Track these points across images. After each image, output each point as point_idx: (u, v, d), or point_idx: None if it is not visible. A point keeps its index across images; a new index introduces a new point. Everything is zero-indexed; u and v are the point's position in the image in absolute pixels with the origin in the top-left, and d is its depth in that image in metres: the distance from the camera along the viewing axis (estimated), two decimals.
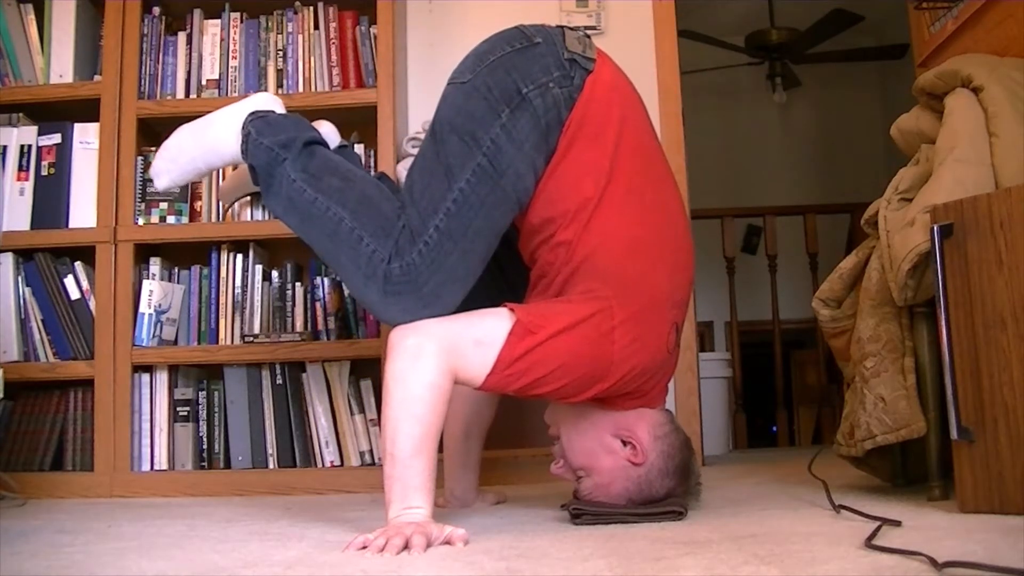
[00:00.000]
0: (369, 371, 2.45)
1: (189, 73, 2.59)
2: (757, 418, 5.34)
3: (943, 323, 1.44)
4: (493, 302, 1.47)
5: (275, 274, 2.52)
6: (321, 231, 1.52)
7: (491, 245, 1.51)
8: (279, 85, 2.58)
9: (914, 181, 1.71)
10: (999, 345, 1.36)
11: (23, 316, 2.46)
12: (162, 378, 2.45)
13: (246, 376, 2.46)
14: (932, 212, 1.48)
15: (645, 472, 1.51)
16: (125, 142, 2.50)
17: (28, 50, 2.58)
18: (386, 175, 1.91)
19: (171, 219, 2.52)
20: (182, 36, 2.61)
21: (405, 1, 2.83)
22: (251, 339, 2.42)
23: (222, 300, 2.49)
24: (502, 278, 1.68)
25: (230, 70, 2.59)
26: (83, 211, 2.50)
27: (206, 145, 1.69)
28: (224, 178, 2.51)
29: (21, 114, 2.58)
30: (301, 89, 2.56)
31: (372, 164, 2.51)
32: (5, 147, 2.53)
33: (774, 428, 4.76)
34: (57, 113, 2.56)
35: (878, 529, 1.22)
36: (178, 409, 2.44)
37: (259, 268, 2.51)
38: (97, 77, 2.57)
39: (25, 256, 2.48)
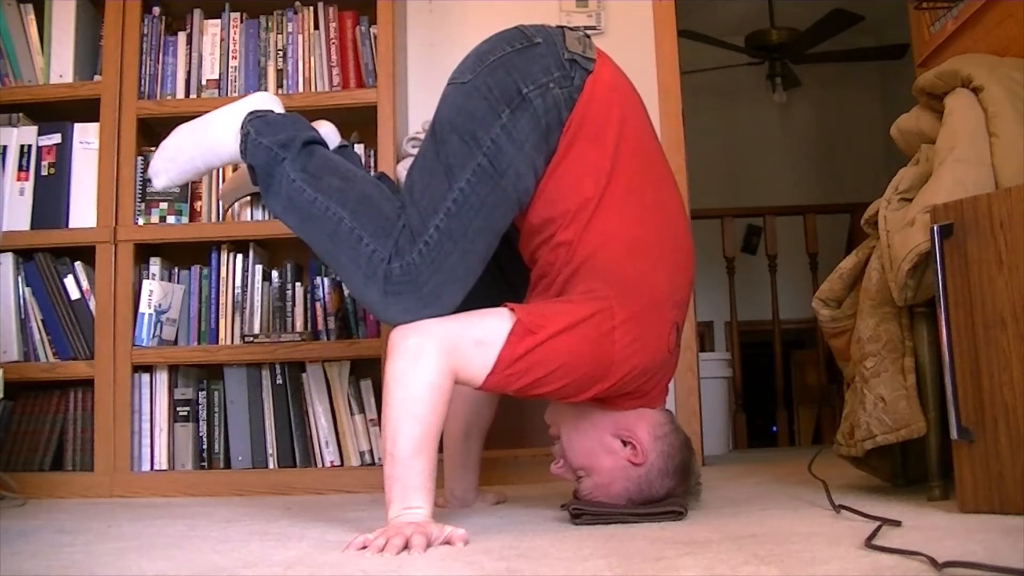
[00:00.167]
0: (369, 371, 2.45)
1: (189, 73, 2.59)
2: (757, 418, 5.34)
3: (943, 323, 1.44)
4: (493, 302, 1.47)
5: (275, 274, 2.52)
6: (321, 231, 1.52)
7: (491, 245, 1.50)
8: (279, 85, 2.58)
9: (914, 181, 1.71)
10: (999, 345, 1.36)
11: (23, 316, 2.46)
12: (162, 378, 2.45)
13: (246, 376, 2.46)
14: (932, 212, 1.48)
15: (645, 472, 1.51)
16: (125, 142, 2.50)
17: (28, 50, 2.58)
18: (386, 175, 1.91)
19: (171, 219, 2.52)
20: (182, 36, 2.61)
21: (405, 1, 2.83)
22: (251, 339, 2.42)
23: (222, 300, 2.49)
24: (502, 278, 1.68)
25: (230, 70, 2.59)
26: (83, 211, 2.50)
27: (205, 144, 1.69)
28: (224, 178, 2.52)
29: (21, 114, 2.58)
30: (301, 89, 2.56)
31: (372, 164, 2.51)
32: (5, 147, 2.53)
33: (774, 428, 4.76)
34: (57, 113, 2.56)
35: (878, 529, 1.22)
36: (178, 409, 2.44)
37: (259, 268, 2.51)
38: (97, 77, 2.57)
39: (25, 256, 2.48)
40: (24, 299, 2.46)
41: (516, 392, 1.45)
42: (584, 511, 1.51)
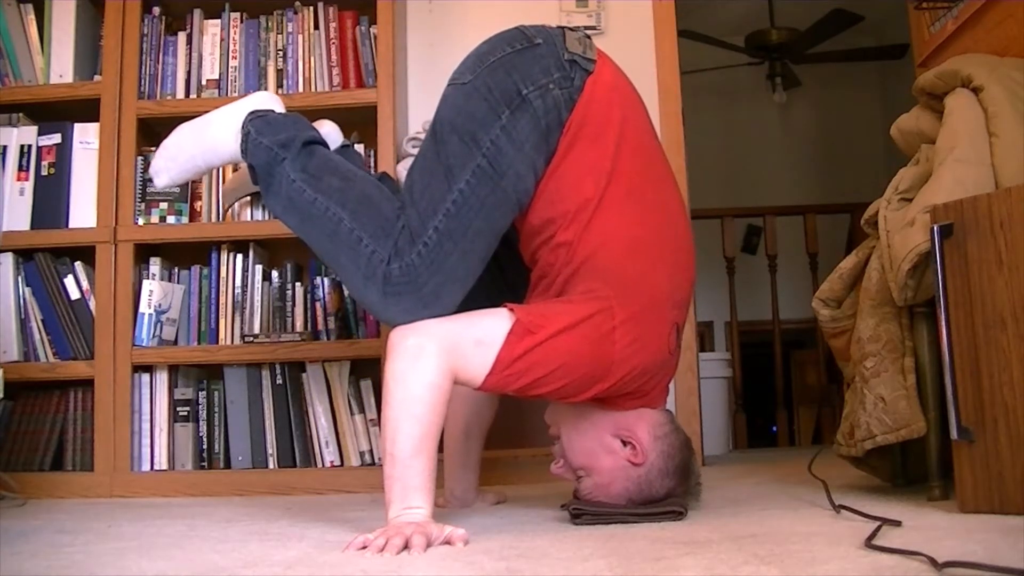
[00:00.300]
0: (369, 371, 2.45)
1: (189, 73, 2.59)
2: (757, 418, 5.34)
3: (943, 323, 1.44)
4: (493, 302, 1.47)
5: (275, 274, 2.52)
6: (321, 231, 1.52)
7: (491, 246, 1.50)
8: (279, 85, 2.58)
9: (914, 181, 1.71)
10: (999, 345, 1.36)
11: (23, 316, 2.46)
12: (162, 378, 2.45)
13: (246, 376, 2.46)
14: (932, 212, 1.48)
15: (645, 472, 1.51)
16: (125, 142, 2.50)
17: (28, 50, 2.58)
18: (388, 175, 1.91)
19: (171, 219, 2.52)
20: (182, 36, 2.61)
21: (405, 1, 2.83)
22: (251, 339, 2.42)
23: (222, 300, 2.49)
24: (502, 278, 1.68)
25: (230, 70, 2.59)
26: (83, 211, 2.50)
27: (205, 144, 1.69)
28: (224, 178, 2.52)
29: (21, 114, 2.58)
30: (301, 89, 2.56)
31: (372, 164, 2.51)
32: (5, 147, 2.53)
33: (774, 428, 4.76)
34: (57, 113, 2.56)
35: (878, 529, 1.22)
36: (178, 409, 2.44)
37: (259, 268, 2.51)
38: (97, 77, 2.57)
39: (25, 256, 2.48)
40: (24, 299, 2.46)
41: (516, 392, 1.45)
42: (584, 511, 1.51)
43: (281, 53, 2.59)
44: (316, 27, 2.60)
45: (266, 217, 2.51)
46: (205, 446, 2.44)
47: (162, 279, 2.48)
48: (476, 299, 1.50)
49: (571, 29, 1.55)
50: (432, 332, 1.41)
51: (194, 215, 2.55)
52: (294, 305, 2.51)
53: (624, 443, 1.53)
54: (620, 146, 1.49)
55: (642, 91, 1.63)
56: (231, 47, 2.60)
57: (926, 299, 1.61)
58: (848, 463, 1.86)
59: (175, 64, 2.60)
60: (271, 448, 2.42)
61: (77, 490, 2.36)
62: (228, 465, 2.42)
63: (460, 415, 1.86)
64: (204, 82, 2.59)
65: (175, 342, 2.50)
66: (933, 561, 0.97)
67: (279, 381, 2.45)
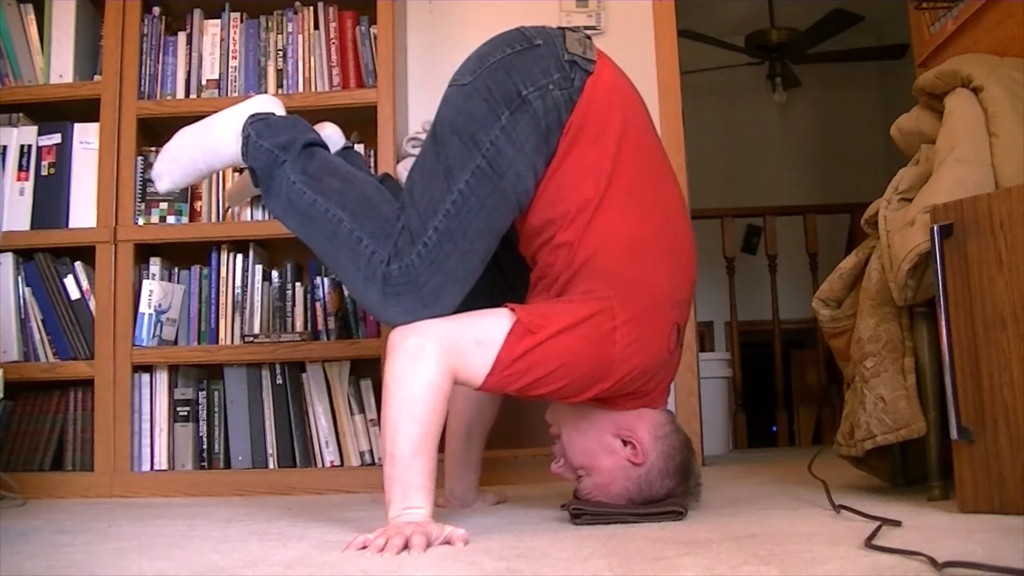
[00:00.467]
0: (369, 371, 2.45)
1: (189, 73, 2.59)
2: (757, 418, 5.34)
3: (943, 323, 1.44)
4: (493, 302, 1.47)
5: (275, 274, 2.52)
6: (320, 232, 1.52)
7: (491, 246, 1.50)
8: (279, 85, 2.58)
9: (914, 181, 1.71)
10: (999, 345, 1.36)
11: (23, 316, 2.46)
12: (162, 378, 2.45)
13: (246, 376, 2.46)
14: (932, 212, 1.48)
15: (645, 472, 1.51)
16: (125, 142, 2.50)
17: (28, 50, 2.58)
18: (389, 176, 1.91)
19: (171, 219, 2.52)
20: (182, 36, 2.61)
21: (405, 1, 2.83)
22: (251, 339, 2.42)
23: (222, 300, 2.49)
24: (502, 278, 1.68)
25: (230, 70, 2.59)
26: (83, 211, 2.50)
27: (207, 146, 1.69)
28: (224, 180, 2.52)
29: (21, 114, 2.58)
30: (301, 89, 2.56)
31: (372, 164, 2.51)
32: (5, 147, 2.53)
33: (774, 428, 4.76)
34: (57, 113, 2.56)
35: (878, 529, 1.22)
36: (178, 409, 2.44)
37: (259, 268, 2.51)
38: (97, 77, 2.57)
39: (25, 256, 2.48)
40: (24, 299, 2.46)
41: (516, 392, 1.45)
42: (584, 511, 1.51)
43: (281, 53, 2.59)
44: (316, 27, 2.60)
45: (266, 217, 2.51)
46: (205, 446, 2.44)
47: (162, 279, 2.49)
48: (477, 299, 1.50)
49: (571, 30, 1.55)
50: (432, 332, 1.41)
51: (194, 215, 2.55)
52: (294, 305, 2.51)
53: (624, 443, 1.53)
54: (620, 146, 1.49)
55: (642, 91, 1.63)
56: (231, 47, 2.60)
57: (926, 299, 1.61)
58: (848, 463, 1.86)
59: (175, 64, 2.60)
60: (271, 448, 2.42)
61: (77, 490, 2.37)
62: (228, 465, 2.42)
63: (462, 415, 1.86)
64: (204, 82, 2.59)
65: (175, 342, 2.50)
66: (933, 561, 0.97)
67: (279, 381, 2.45)
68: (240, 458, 2.42)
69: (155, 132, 2.58)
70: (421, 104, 2.75)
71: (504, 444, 2.27)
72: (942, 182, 1.58)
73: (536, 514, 1.68)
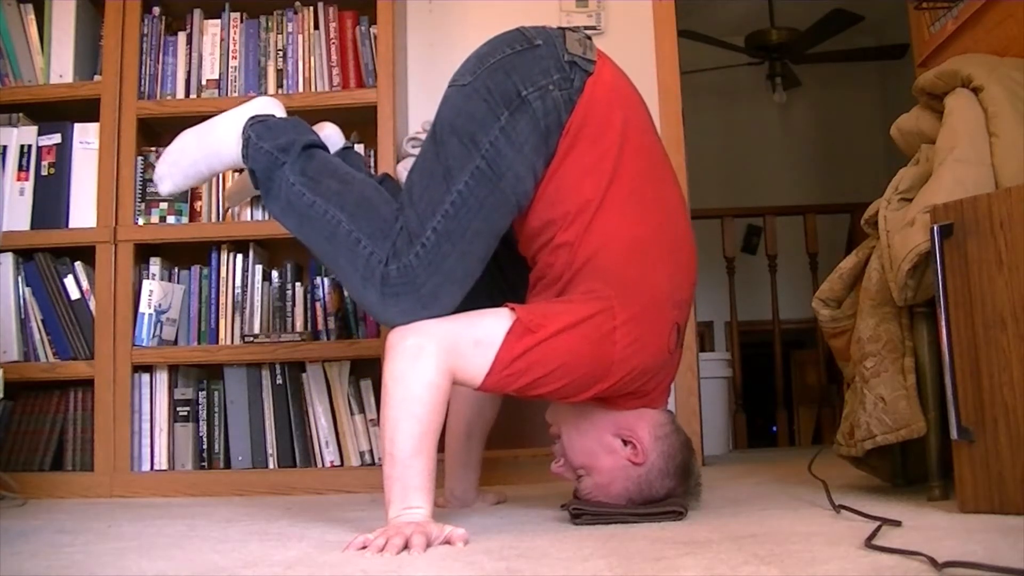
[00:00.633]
0: (369, 371, 2.45)
1: (189, 73, 2.58)
2: (757, 418, 5.34)
3: (943, 323, 1.44)
4: (493, 302, 1.47)
5: (275, 274, 2.52)
6: (319, 233, 1.52)
7: (490, 247, 1.50)
8: (279, 85, 2.58)
9: (914, 181, 1.71)
10: (999, 345, 1.36)
11: (23, 316, 2.46)
12: (162, 378, 2.45)
13: (246, 376, 2.46)
14: (932, 212, 1.48)
15: (645, 472, 1.51)
16: (125, 142, 2.50)
17: (28, 50, 2.58)
18: (389, 176, 1.91)
19: (171, 219, 2.52)
20: (182, 36, 2.61)
21: (405, 1, 2.83)
22: (251, 339, 2.42)
23: (222, 300, 2.49)
24: (502, 278, 1.68)
25: (230, 70, 2.59)
26: (83, 211, 2.50)
27: (208, 148, 1.69)
28: (224, 181, 2.52)
29: (21, 114, 2.58)
30: (301, 89, 2.56)
31: (372, 164, 2.51)
32: (5, 147, 2.53)
33: (774, 428, 4.76)
34: (57, 113, 2.56)
35: (878, 529, 1.22)
36: (178, 409, 2.44)
37: (259, 268, 2.51)
38: (97, 77, 2.57)
39: (25, 256, 2.48)
40: (24, 299, 2.46)
41: (516, 392, 1.45)
42: (584, 511, 1.51)
43: (281, 53, 2.59)
44: (316, 27, 2.60)
45: (266, 217, 2.51)
46: (205, 446, 2.44)
47: (162, 279, 2.49)
48: (477, 299, 1.50)
49: (571, 30, 1.55)
50: (431, 332, 1.41)
51: (194, 215, 2.55)
52: (294, 305, 2.51)
53: (625, 443, 1.53)
54: (621, 147, 1.49)
55: (642, 91, 1.63)
56: (231, 47, 2.60)
57: (926, 299, 1.61)
58: (848, 463, 1.86)
59: (175, 64, 2.60)
60: (271, 448, 2.42)
61: (77, 490, 2.37)
62: (228, 465, 2.42)
63: (462, 415, 1.86)
64: (204, 82, 2.59)
65: (175, 342, 2.50)
66: (933, 561, 0.97)
67: (279, 381, 2.45)
68: (240, 458, 2.42)
69: (155, 132, 2.58)
70: (421, 104, 2.75)
71: (504, 444, 2.27)
72: (942, 182, 1.58)
73: (536, 514, 1.68)
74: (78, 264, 2.49)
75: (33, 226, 2.49)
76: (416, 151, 2.29)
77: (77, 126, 2.54)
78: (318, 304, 2.50)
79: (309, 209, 1.53)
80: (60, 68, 2.56)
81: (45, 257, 2.48)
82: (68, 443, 2.43)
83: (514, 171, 1.46)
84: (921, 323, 1.67)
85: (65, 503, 2.24)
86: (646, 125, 1.59)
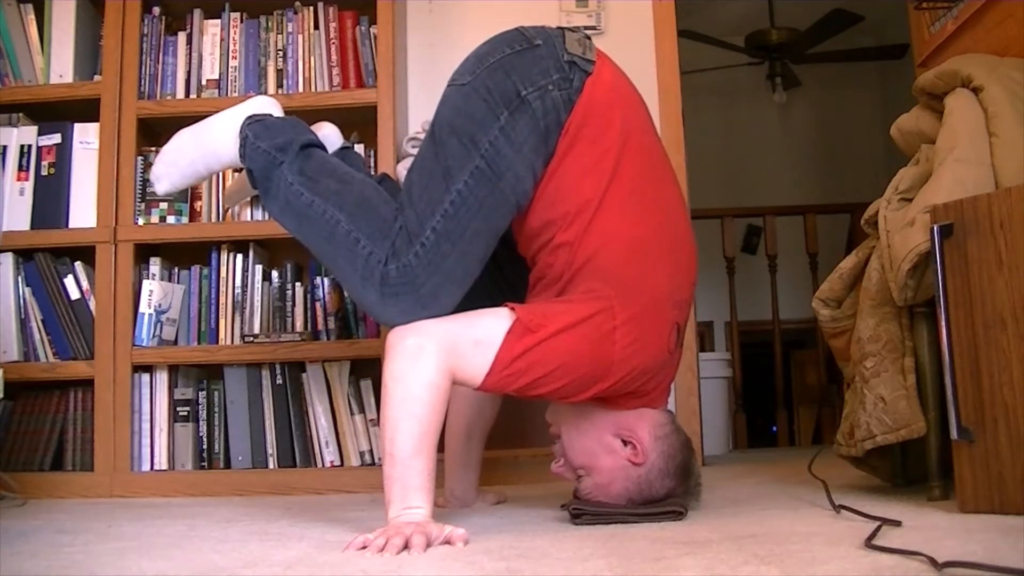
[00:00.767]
0: (369, 371, 2.45)
1: (189, 73, 2.59)
2: (757, 418, 5.34)
3: (943, 323, 1.44)
4: (493, 302, 1.47)
5: (275, 274, 2.52)
6: (318, 233, 1.52)
7: (489, 247, 1.50)
8: (279, 85, 2.58)
9: (914, 181, 1.71)
10: (999, 345, 1.36)
11: (23, 316, 2.46)
12: (162, 378, 2.45)
13: (246, 376, 2.46)
14: (932, 212, 1.48)
15: (645, 472, 1.51)
16: (125, 142, 2.50)
17: (28, 50, 2.58)
18: (388, 176, 1.91)
19: (171, 219, 2.52)
20: (182, 36, 2.61)
21: (405, 1, 2.83)
22: (251, 339, 2.42)
23: (222, 300, 2.49)
24: (502, 278, 1.68)
25: (230, 70, 2.59)
26: (83, 211, 2.50)
27: (205, 148, 1.69)
28: (224, 180, 2.52)
29: (21, 114, 2.58)
30: (301, 89, 2.56)
31: (372, 164, 2.51)
32: (5, 147, 2.53)
33: (774, 428, 4.76)
34: (57, 113, 2.56)
35: (878, 529, 1.22)
36: (178, 409, 2.44)
37: (259, 268, 2.51)
38: (97, 77, 2.57)
39: (25, 256, 2.48)
40: (24, 299, 2.46)
41: (516, 392, 1.45)
42: (584, 511, 1.51)
43: (281, 53, 2.59)
44: (316, 27, 2.60)
45: (266, 217, 2.51)
46: (205, 446, 2.44)
47: (162, 279, 2.49)
48: (477, 299, 1.50)
49: (571, 30, 1.55)
50: (431, 332, 1.41)
51: (194, 215, 2.55)
52: (294, 305, 2.51)
53: (625, 443, 1.53)
54: (621, 147, 1.49)
55: (642, 91, 1.63)
56: (231, 47, 2.60)
57: (926, 299, 1.61)
58: (848, 463, 1.86)
59: (175, 64, 2.60)
60: (271, 448, 2.42)
61: (77, 490, 2.37)
62: (228, 465, 2.42)
63: (462, 415, 1.86)
64: (204, 82, 2.59)
65: (175, 342, 2.50)
66: (933, 561, 0.97)
67: (279, 381, 2.45)
68: (240, 458, 2.42)
69: (155, 132, 2.58)
70: (421, 104, 2.75)
71: (504, 444, 2.27)
72: (942, 182, 1.58)
73: (536, 514, 1.68)
74: (78, 264, 2.49)
75: (33, 226, 2.49)
76: (416, 151, 2.28)
77: (77, 126, 2.54)
78: (318, 304, 2.50)
79: (308, 209, 1.52)
80: (60, 68, 2.56)
81: (45, 257, 2.48)
82: (68, 443, 2.43)
83: (513, 171, 1.45)
84: (921, 323, 1.67)
85: (65, 503, 2.24)
86: (646, 125, 1.59)
